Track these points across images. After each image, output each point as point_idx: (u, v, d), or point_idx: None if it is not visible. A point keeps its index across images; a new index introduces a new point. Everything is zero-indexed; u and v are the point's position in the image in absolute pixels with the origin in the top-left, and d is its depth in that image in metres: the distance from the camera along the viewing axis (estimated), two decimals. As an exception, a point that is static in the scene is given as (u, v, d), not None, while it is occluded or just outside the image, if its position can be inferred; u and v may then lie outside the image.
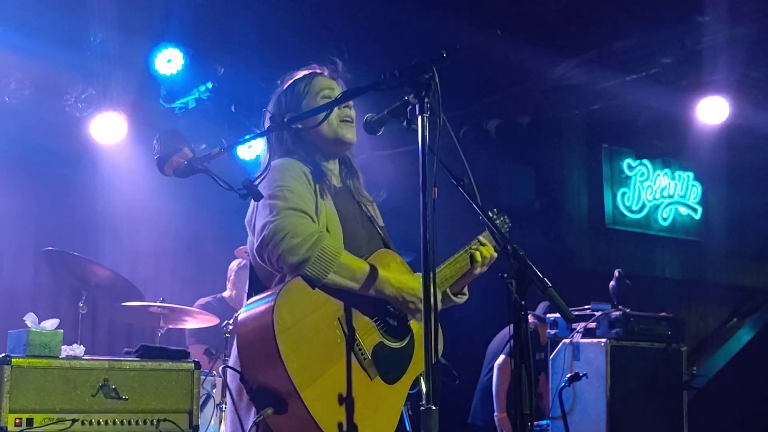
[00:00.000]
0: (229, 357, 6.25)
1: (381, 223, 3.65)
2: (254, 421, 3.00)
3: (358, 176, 3.64)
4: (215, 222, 8.43)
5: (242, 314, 3.13)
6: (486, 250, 3.61)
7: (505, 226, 3.99)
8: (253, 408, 3.08)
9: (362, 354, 3.14)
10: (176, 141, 3.03)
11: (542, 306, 7.68)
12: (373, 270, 3.20)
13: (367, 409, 3.09)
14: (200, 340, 7.09)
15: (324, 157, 3.50)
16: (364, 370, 3.14)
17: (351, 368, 3.09)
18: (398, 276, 3.28)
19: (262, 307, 3.03)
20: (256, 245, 3.14)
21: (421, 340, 3.29)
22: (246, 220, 3.37)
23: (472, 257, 3.59)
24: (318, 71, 3.58)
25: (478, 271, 3.60)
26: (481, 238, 3.65)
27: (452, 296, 3.66)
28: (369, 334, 3.20)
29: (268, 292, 3.09)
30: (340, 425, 2.98)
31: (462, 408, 8.27)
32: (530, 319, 7.35)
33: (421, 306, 3.17)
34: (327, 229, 3.25)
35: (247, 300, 3.22)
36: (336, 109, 3.43)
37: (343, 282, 3.12)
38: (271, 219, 3.10)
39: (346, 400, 3.03)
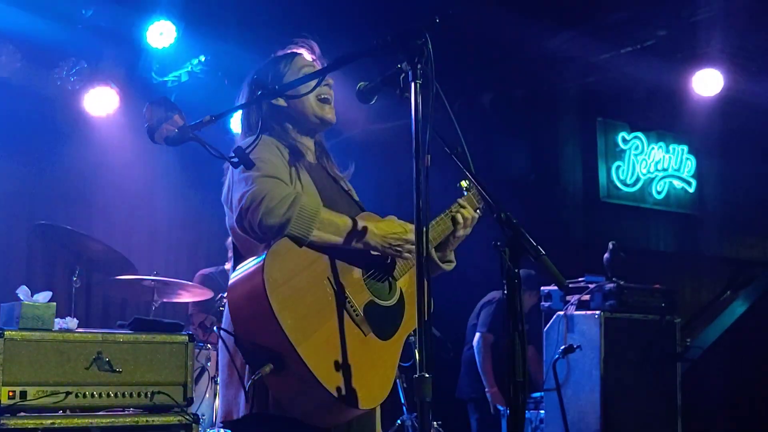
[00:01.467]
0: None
1: (356, 197, 3.66)
2: (252, 379, 2.97)
3: (330, 156, 3.65)
4: (209, 195, 8.36)
5: (232, 279, 3.14)
6: (467, 211, 3.63)
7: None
8: (245, 381, 3.08)
9: (354, 311, 3.15)
10: (166, 109, 3.01)
11: (522, 273, 7.66)
12: (356, 222, 3.22)
13: (363, 364, 3.10)
14: (203, 311, 7.08)
15: (301, 134, 3.51)
16: (357, 327, 3.15)
17: (344, 324, 3.09)
18: (380, 224, 3.30)
19: (252, 269, 3.03)
20: (235, 217, 3.14)
21: (410, 298, 3.34)
22: (222, 198, 3.38)
23: (454, 219, 3.61)
24: (297, 51, 3.58)
25: (461, 233, 3.63)
26: (461, 200, 3.66)
27: (439, 263, 3.66)
28: (359, 292, 3.21)
29: (255, 257, 3.09)
30: (337, 378, 2.98)
31: (455, 381, 8.30)
32: None
33: (408, 247, 3.28)
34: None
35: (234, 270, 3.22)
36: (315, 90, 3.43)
37: (328, 237, 3.13)
38: (246, 189, 3.10)
39: (343, 355, 3.03)
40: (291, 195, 3.08)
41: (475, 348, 7.79)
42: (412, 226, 3.13)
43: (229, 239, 7.45)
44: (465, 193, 3.71)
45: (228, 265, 7.30)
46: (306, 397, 2.98)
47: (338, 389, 2.96)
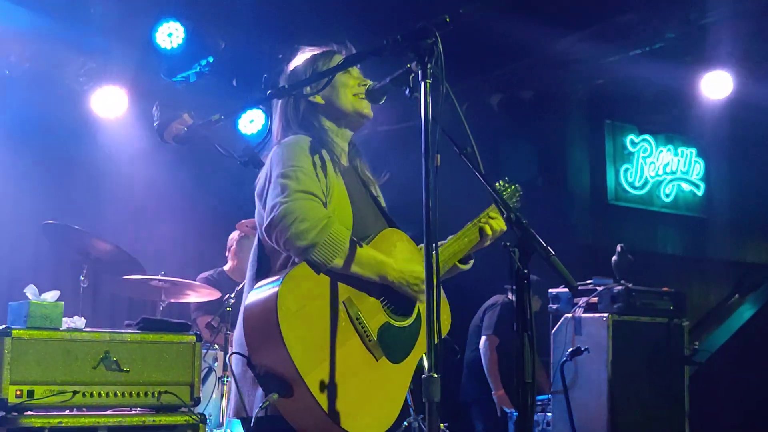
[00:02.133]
0: (231, 331, 6.29)
1: (383, 203, 3.65)
2: (260, 407, 3.03)
3: (363, 157, 3.64)
4: (217, 196, 8.43)
5: (249, 299, 3.16)
6: (496, 223, 3.63)
7: (517, 194, 4.02)
8: (259, 388, 3.11)
9: (367, 336, 3.16)
10: (176, 107, 3.02)
11: (532, 278, 7.62)
12: (377, 256, 3.22)
13: (372, 390, 3.13)
14: (206, 312, 7.09)
15: (338, 132, 3.49)
16: (369, 351, 3.16)
17: (356, 350, 3.11)
18: (401, 262, 3.28)
19: (267, 294, 3.06)
20: (265, 224, 3.15)
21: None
22: (257, 191, 3.35)
23: (482, 230, 3.61)
24: (335, 49, 3.57)
25: (487, 243, 3.65)
26: (490, 210, 3.66)
27: (458, 264, 3.67)
28: (375, 314, 3.22)
29: (273, 278, 3.11)
30: (343, 407, 3.01)
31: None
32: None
33: (424, 288, 3.20)
34: (337, 209, 3.26)
35: (255, 279, 3.25)
36: (356, 84, 3.45)
37: (347, 268, 3.14)
38: (281, 200, 3.10)
39: (350, 383, 3.05)
40: (322, 220, 3.09)
41: (481, 350, 7.78)
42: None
43: (233, 234, 7.47)
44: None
45: (228, 266, 7.36)
46: (311, 422, 3.03)
47: (342, 418, 2.99)
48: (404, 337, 3.28)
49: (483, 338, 7.78)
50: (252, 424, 3.10)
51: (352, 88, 3.45)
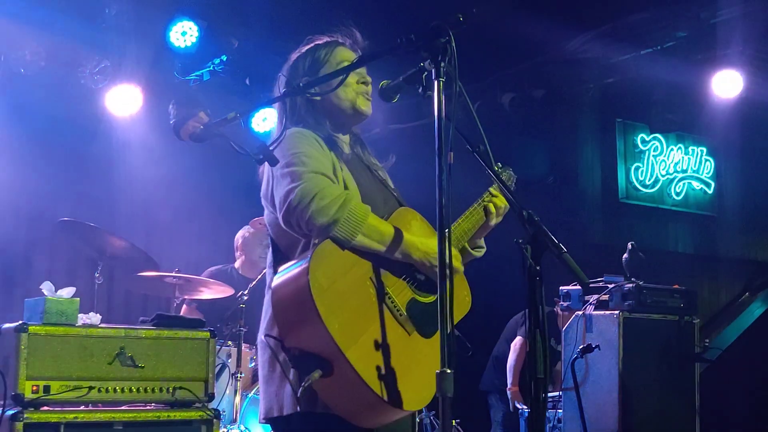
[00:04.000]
0: (243, 328, 6.33)
1: (392, 185, 3.64)
2: (302, 385, 2.95)
3: (365, 145, 3.63)
4: (231, 193, 8.47)
5: (276, 281, 3.11)
6: (499, 200, 3.62)
7: (512, 179, 4.00)
8: (288, 383, 3.08)
9: (398, 310, 3.13)
10: (192, 105, 3.04)
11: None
12: (399, 233, 3.18)
13: (409, 364, 3.09)
14: (200, 308, 7.12)
15: (335, 128, 3.48)
16: (401, 326, 3.13)
17: (389, 325, 3.08)
18: (424, 240, 3.25)
19: (296, 271, 3.02)
20: (282, 213, 3.11)
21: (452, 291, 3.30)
22: (262, 193, 3.34)
23: (486, 209, 3.60)
24: (340, 41, 3.55)
25: (493, 222, 3.61)
26: (492, 189, 3.66)
27: (470, 250, 3.66)
28: (401, 291, 3.19)
29: (299, 258, 3.08)
30: (386, 381, 2.97)
31: (474, 376, 8.36)
32: (556, 309, 7.46)
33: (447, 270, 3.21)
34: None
35: (276, 269, 3.20)
36: (355, 81, 3.43)
37: (370, 244, 3.10)
38: (294, 185, 3.08)
39: (390, 357, 3.01)
40: (342, 196, 3.07)
41: (512, 347, 7.96)
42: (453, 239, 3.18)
43: (240, 231, 7.50)
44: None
45: (237, 263, 7.39)
46: (354, 399, 2.97)
47: (386, 392, 2.95)
48: (432, 312, 3.19)
49: (520, 338, 7.92)
50: (298, 403, 3.04)
51: (352, 86, 3.43)
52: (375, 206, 3.25)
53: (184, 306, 7.09)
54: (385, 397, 2.94)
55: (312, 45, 3.55)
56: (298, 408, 3.08)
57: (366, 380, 2.91)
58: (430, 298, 3.27)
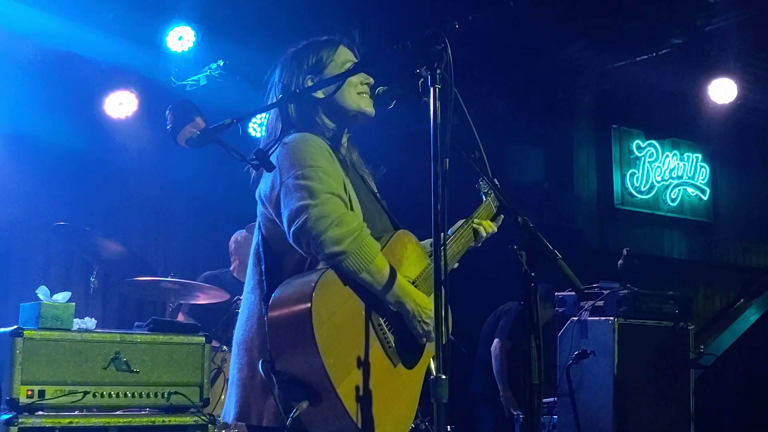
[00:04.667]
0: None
1: (381, 197, 3.60)
2: (291, 416, 2.93)
3: (357, 150, 3.58)
4: (226, 198, 8.46)
5: (277, 296, 3.06)
6: (487, 224, 3.65)
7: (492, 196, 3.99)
8: (270, 395, 3.06)
9: (388, 342, 3.15)
10: (188, 111, 3.04)
11: (541, 288, 7.62)
12: (399, 280, 3.14)
13: (392, 396, 3.13)
14: (191, 313, 7.12)
15: (339, 129, 3.43)
16: (388, 358, 3.15)
17: (378, 358, 3.09)
18: (420, 295, 3.21)
19: (298, 296, 2.98)
20: (294, 228, 3.03)
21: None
22: (263, 194, 3.25)
23: (477, 231, 3.62)
24: (337, 39, 3.51)
25: (479, 244, 3.66)
26: (480, 210, 3.68)
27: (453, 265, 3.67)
28: (395, 319, 3.21)
29: (300, 284, 3.03)
30: (369, 414, 2.98)
31: (468, 383, 8.35)
32: None
33: (431, 330, 3.17)
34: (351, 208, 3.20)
35: (264, 280, 3.18)
36: (359, 82, 3.39)
37: (372, 283, 3.07)
38: (312, 202, 3.02)
39: (375, 391, 3.02)
40: (358, 228, 3.03)
41: (493, 353, 7.85)
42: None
43: (234, 235, 7.48)
44: (483, 198, 3.73)
45: (233, 267, 7.39)
46: (336, 428, 2.98)
47: (366, 424, 2.96)
48: (416, 343, 3.27)
49: (496, 341, 7.85)
50: (278, 419, 3.02)
51: (356, 86, 3.39)
52: (372, 223, 3.24)
53: (180, 313, 7.10)
54: (363, 428, 2.96)
55: (311, 41, 3.50)
56: (279, 424, 3.04)
57: (351, 415, 2.92)
58: None
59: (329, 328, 2.95)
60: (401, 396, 3.19)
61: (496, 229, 3.69)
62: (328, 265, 3.04)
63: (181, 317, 7.03)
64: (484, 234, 3.63)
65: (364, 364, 3.03)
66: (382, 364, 3.12)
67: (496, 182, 3.69)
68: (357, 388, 2.98)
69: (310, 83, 3.36)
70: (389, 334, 3.16)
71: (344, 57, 3.45)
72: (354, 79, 3.38)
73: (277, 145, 3.16)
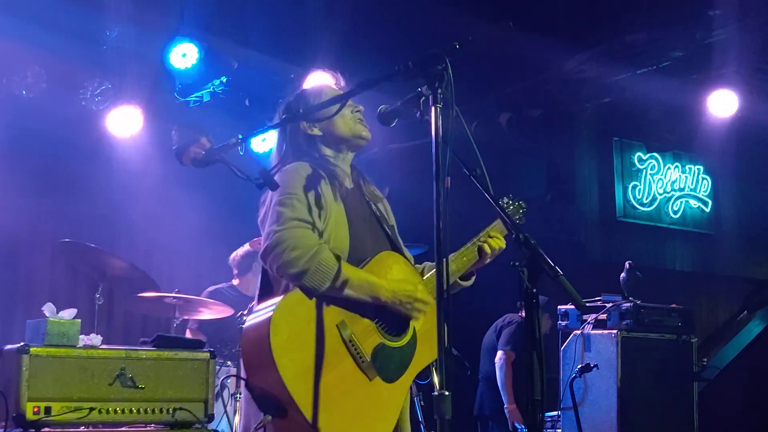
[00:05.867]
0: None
1: (391, 221, 3.71)
2: (255, 427, 3.18)
3: (366, 176, 3.71)
4: (230, 213, 8.50)
5: (246, 324, 3.29)
6: (495, 242, 3.68)
7: (521, 211, 4.07)
8: (254, 406, 3.26)
9: (360, 357, 3.24)
10: (194, 132, 3.10)
11: (541, 299, 7.59)
12: (368, 278, 3.31)
13: (364, 410, 3.23)
14: (202, 328, 7.16)
15: (339, 157, 3.59)
16: (362, 372, 3.24)
17: (348, 372, 3.21)
18: (393, 281, 3.36)
19: (261, 320, 3.18)
20: (261, 251, 3.28)
21: (423, 337, 3.41)
22: (259, 219, 3.46)
23: (481, 249, 3.66)
24: (322, 82, 3.73)
25: (487, 261, 3.71)
26: (490, 229, 3.71)
27: (459, 281, 3.73)
28: (369, 336, 3.30)
29: (268, 304, 3.22)
30: (335, 427, 3.12)
31: (472, 398, 8.34)
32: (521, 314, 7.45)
33: (418, 306, 3.33)
34: (333, 235, 3.35)
35: (258, 303, 3.37)
36: (350, 111, 3.57)
37: (338, 291, 3.23)
38: (276, 228, 3.23)
39: (343, 404, 3.16)
40: (313, 247, 3.20)
41: (497, 365, 7.85)
42: (427, 280, 3.39)
43: (237, 250, 7.53)
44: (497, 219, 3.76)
45: (235, 281, 7.42)
46: None
47: None
48: (399, 357, 3.36)
49: (500, 353, 7.85)
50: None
51: (346, 116, 3.56)
52: (363, 245, 3.40)
53: (188, 330, 7.12)
54: None
55: (299, 92, 3.72)
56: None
57: (314, 426, 3.07)
58: (400, 342, 3.37)
59: (290, 343, 3.11)
60: (376, 409, 3.28)
61: (504, 245, 3.72)
62: (295, 286, 3.21)
63: (188, 334, 7.05)
64: (488, 251, 3.66)
65: (329, 378, 3.14)
66: (354, 377, 3.22)
67: (517, 205, 3.79)
68: (323, 400, 3.11)
69: (305, 124, 3.53)
70: (362, 350, 3.25)
71: (329, 92, 3.62)
72: (344, 110, 3.50)
73: (277, 171, 3.36)
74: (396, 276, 3.41)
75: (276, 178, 3.31)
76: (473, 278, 3.80)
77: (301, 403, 3.05)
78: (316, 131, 3.54)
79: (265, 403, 3.16)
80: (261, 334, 3.11)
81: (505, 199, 4.06)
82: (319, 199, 3.35)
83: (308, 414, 3.06)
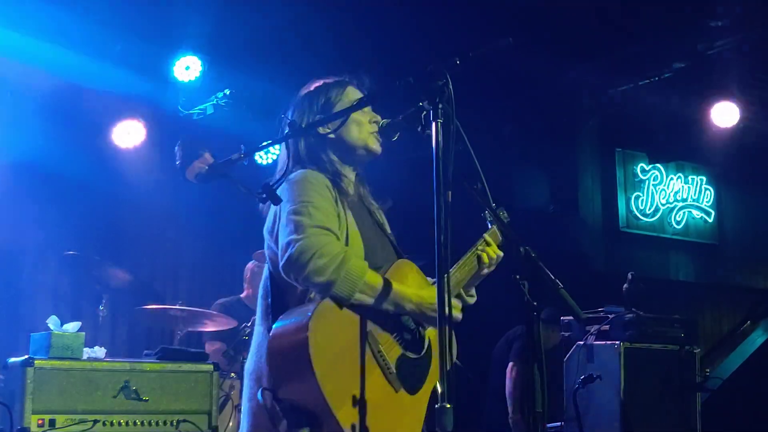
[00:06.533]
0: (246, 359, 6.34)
1: (389, 230, 3.70)
2: None
3: (367, 184, 3.66)
4: (234, 225, 8.51)
5: (276, 329, 3.14)
6: (491, 250, 3.65)
7: (505, 218, 4.03)
8: (280, 427, 3.10)
9: (388, 368, 3.19)
10: (197, 147, 3.09)
11: (548, 312, 7.61)
12: (394, 287, 3.22)
13: (393, 422, 3.16)
14: (216, 338, 7.17)
15: (345, 165, 3.52)
16: (390, 384, 3.19)
17: (378, 383, 3.14)
18: (417, 291, 3.29)
19: (296, 326, 3.06)
20: (282, 263, 3.14)
21: (437, 347, 3.37)
22: (266, 228, 3.36)
23: (479, 258, 3.64)
24: (347, 80, 3.59)
25: (485, 272, 3.63)
26: (486, 237, 3.71)
27: (465, 297, 3.70)
28: (392, 347, 3.25)
29: (298, 313, 3.12)
30: None
31: (478, 410, 8.33)
32: None
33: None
34: (348, 242, 3.27)
35: (270, 313, 3.26)
36: (368, 121, 3.47)
37: (368, 301, 3.14)
38: (297, 237, 3.10)
39: (376, 416, 3.06)
40: (340, 254, 3.10)
41: (508, 375, 7.84)
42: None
43: (249, 264, 7.51)
44: (489, 226, 3.76)
45: (244, 294, 7.42)
46: None
47: None
48: (418, 368, 3.32)
49: (511, 364, 7.84)
50: None
51: (364, 125, 3.47)
52: (374, 253, 3.33)
53: (206, 344, 7.13)
54: None
55: (322, 83, 3.58)
56: None
57: None
58: (418, 354, 3.33)
59: (327, 355, 3.00)
60: (402, 421, 3.23)
61: (502, 254, 3.71)
62: (321, 296, 3.10)
63: (209, 348, 7.05)
64: (487, 260, 3.64)
65: (362, 390, 3.07)
66: (383, 389, 3.16)
67: (501, 215, 3.78)
68: (356, 414, 3.02)
69: (323, 130, 3.43)
70: (389, 360, 3.20)
71: (352, 96, 3.51)
72: (362, 118, 3.46)
73: (282, 181, 3.26)
74: (412, 284, 3.36)
75: (285, 186, 3.25)
76: (475, 297, 3.77)
77: (340, 416, 2.95)
78: (326, 129, 3.42)
79: (296, 417, 3.02)
80: (298, 342, 2.99)
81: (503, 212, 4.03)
82: (333, 206, 3.29)
83: (347, 427, 2.96)
